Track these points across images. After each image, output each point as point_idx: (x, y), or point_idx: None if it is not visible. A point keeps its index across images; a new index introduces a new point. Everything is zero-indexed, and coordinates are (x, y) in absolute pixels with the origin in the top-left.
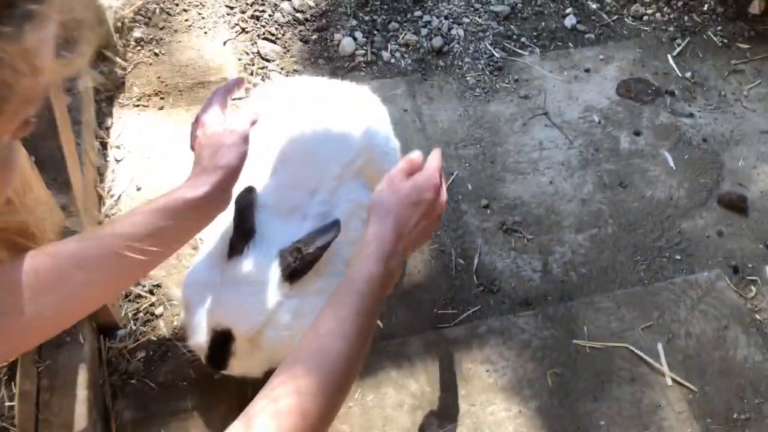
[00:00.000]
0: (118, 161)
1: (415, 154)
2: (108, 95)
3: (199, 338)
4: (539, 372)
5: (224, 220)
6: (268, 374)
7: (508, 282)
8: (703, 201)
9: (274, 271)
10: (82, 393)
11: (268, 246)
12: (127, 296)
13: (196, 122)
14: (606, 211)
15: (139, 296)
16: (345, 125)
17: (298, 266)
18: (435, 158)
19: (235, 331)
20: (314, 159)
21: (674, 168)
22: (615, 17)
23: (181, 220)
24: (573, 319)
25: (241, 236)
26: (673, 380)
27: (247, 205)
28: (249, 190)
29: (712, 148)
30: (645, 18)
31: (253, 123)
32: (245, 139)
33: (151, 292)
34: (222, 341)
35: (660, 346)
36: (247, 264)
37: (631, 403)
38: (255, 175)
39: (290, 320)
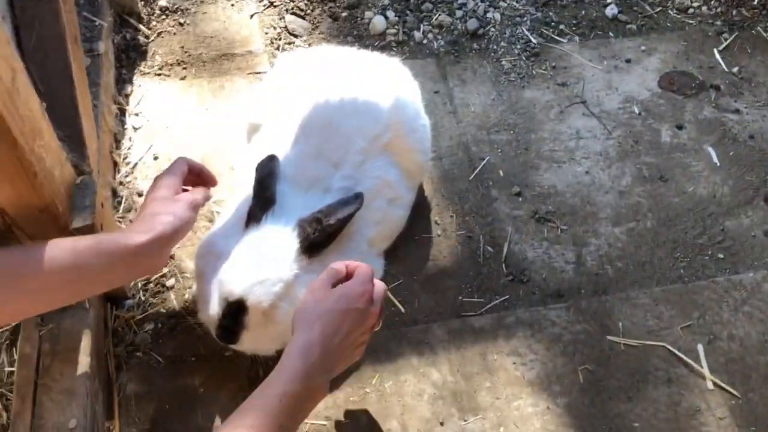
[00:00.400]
0: (136, 129)
1: (338, 265)
2: (129, 62)
3: (211, 309)
4: (570, 367)
5: (243, 190)
6: (280, 353)
7: (539, 273)
8: (748, 199)
9: (293, 243)
10: (84, 360)
11: (288, 217)
12: None
13: (154, 181)
14: (645, 205)
15: None
16: (373, 96)
17: (317, 238)
18: (366, 267)
19: (249, 302)
20: (339, 130)
21: (718, 164)
22: (658, 9)
23: (110, 262)
24: (607, 314)
25: (260, 205)
26: (714, 384)
27: (268, 173)
28: (271, 158)
29: (759, 145)
30: (690, 11)
31: (205, 200)
32: (192, 208)
33: None
34: (235, 312)
35: (700, 348)
36: (264, 233)
37: (667, 406)
38: (276, 144)
39: None
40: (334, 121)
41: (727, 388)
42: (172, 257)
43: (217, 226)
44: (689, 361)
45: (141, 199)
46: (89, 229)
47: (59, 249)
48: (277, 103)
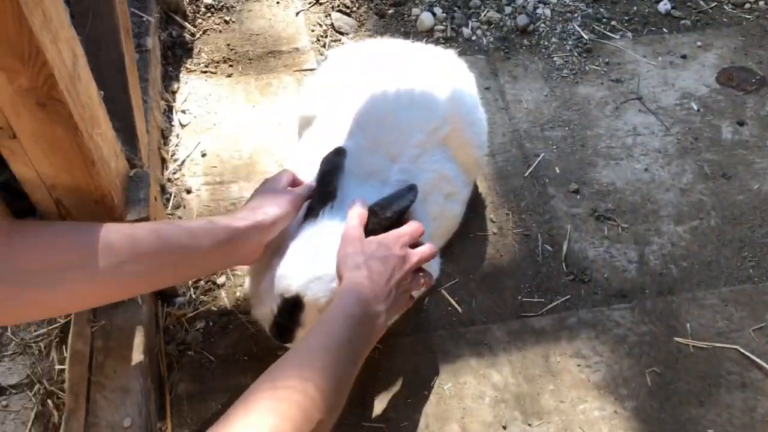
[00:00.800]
0: (183, 126)
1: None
2: (175, 59)
3: (265, 306)
4: (636, 370)
5: (303, 175)
6: None
7: (601, 272)
8: None
9: None
10: (138, 357)
11: (345, 210)
12: None
13: (262, 182)
14: (708, 203)
15: None
16: (430, 89)
17: (374, 231)
18: (413, 223)
19: (306, 299)
20: (396, 123)
21: None
22: (713, 4)
23: (217, 244)
24: (674, 315)
25: (320, 199)
26: None
27: (333, 168)
28: (338, 152)
29: None
30: (746, 6)
31: (308, 197)
32: (293, 203)
33: None
34: (291, 309)
35: None
36: (321, 228)
37: (743, 411)
38: (331, 138)
39: None
40: (390, 113)
41: None
42: None
43: None
44: (764, 364)
45: (189, 196)
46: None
47: (175, 227)
48: (330, 96)
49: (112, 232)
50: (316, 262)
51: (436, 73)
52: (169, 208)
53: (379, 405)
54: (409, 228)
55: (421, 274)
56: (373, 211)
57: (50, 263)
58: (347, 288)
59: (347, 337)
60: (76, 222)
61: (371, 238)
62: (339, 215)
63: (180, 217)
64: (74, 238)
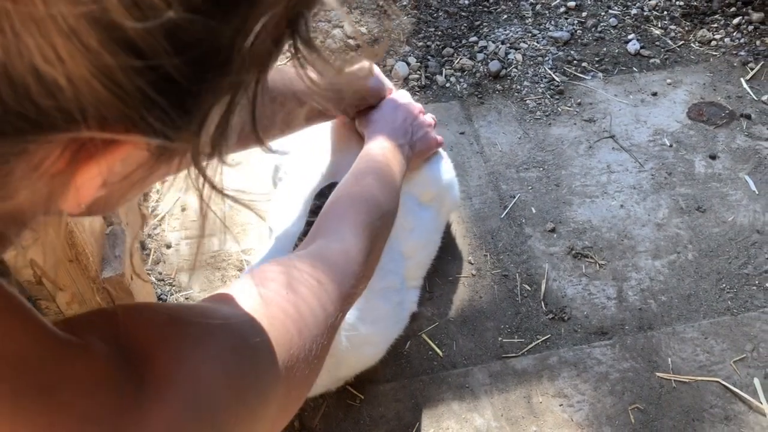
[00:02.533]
0: (163, 182)
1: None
2: None
3: None
4: (620, 407)
5: (288, 218)
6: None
7: (580, 310)
8: None
9: None
10: None
11: None
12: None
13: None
14: (684, 237)
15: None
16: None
17: None
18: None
19: None
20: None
21: (757, 192)
22: (680, 43)
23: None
24: (655, 350)
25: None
26: None
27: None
28: (330, 187)
29: None
30: (713, 43)
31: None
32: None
33: None
34: None
35: (757, 382)
36: None
37: None
38: (302, 183)
39: (352, 320)
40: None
41: None
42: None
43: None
44: (746, 396)
45: (169, 251)
46: (119, 280)
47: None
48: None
49: None
50: None
51: None
52: (149, 263)
53: None
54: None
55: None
56: None
57: None
58: (370, 134)
59: (385, 161)
60: None
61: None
62: None
63: (160, 273)
64: None
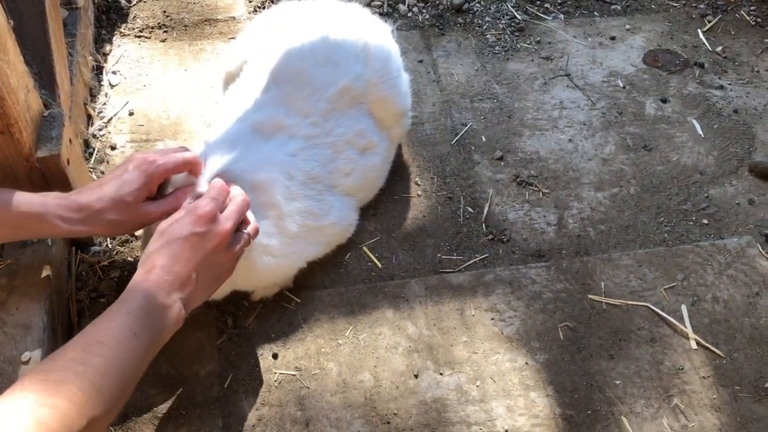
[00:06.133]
0: (112, 86)
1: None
2: (109, 23)
3: (143, 247)
4: (550, 324)
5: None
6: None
7: (520, 233)
8: (733, 169)
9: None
10: (42, 295)
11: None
12: None
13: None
14: (629, 172)
15: None
16: (344, 46)
17: None
18: (216, 183)
19: None
20: (310, 80)
21: (702, 135)
22: None
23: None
24: (589, 274)
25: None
26: (698, 344)
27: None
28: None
29: (743, 119)
30: None
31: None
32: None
33: None
34: None
35: (684, 309)
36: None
37: (650, 364)
38: (251, 92)
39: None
40: (305, 70)
41: (711, 348)
42: None
43: None
44: (673, 320)
45: (114, 153)
46: (55, 162)
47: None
48: (253, 52)
49: None
50: None
51: (352, 31)
52: (92, 162)
53: (292, 354)
54: (213, 193)
55: (244, 231)
56: None
57: None
58: (132, 284)
59: (129, 331)
60: None
61: (181, 215)
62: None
63: (102, 172)
64: None
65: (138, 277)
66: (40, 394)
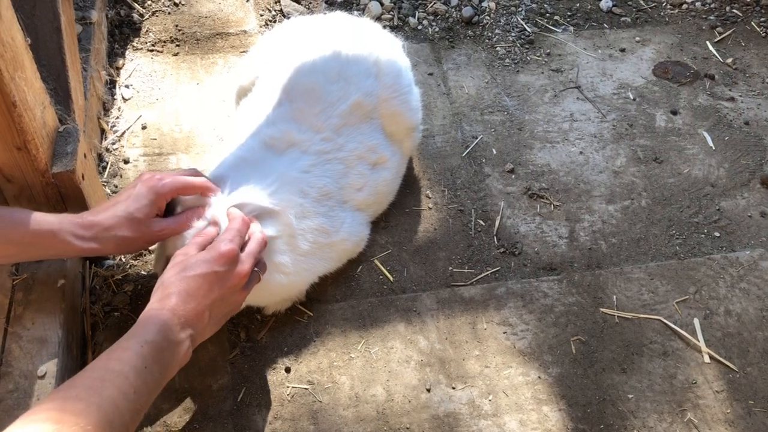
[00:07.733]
0: (125, 100)
1: (210, 230)
2: (122, 37)
3: (156, 266)
4: (562, 338)
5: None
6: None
7: (531, 246)
8: (744, 181)
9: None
10: (57, 309)
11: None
12: None
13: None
14: (640, 185)
15: None
16: (357, 62)
17: None
18: (238, 223)
19: None
20: (323, 95)
21: (713, 148)
22: (653, 3)
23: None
24: (601, 288)
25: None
26: (711, 357)
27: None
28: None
29: (754, 131)
30: (684, 6)
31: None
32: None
33: None
34: None
35: (696, 322)
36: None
37: (663, 378)
38: (263, 107)
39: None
40: (318, 85)
41: (724, 361)
42: None
43: None
44: (685, 334)
45: (127, 166)
46: (70, 177)
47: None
48: (266, 66)
49: None
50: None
51: (363, 46)
52: (105, 176)
53: (305, 367)
54: (231, 234)
55: (256, 269)
56: None
57: None
58: (147, 315)
59: (142, 364)
60: None
61: (198, 254)
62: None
63: (116, 186)
64: None
65: (153, 306)
66: (57, 425)
